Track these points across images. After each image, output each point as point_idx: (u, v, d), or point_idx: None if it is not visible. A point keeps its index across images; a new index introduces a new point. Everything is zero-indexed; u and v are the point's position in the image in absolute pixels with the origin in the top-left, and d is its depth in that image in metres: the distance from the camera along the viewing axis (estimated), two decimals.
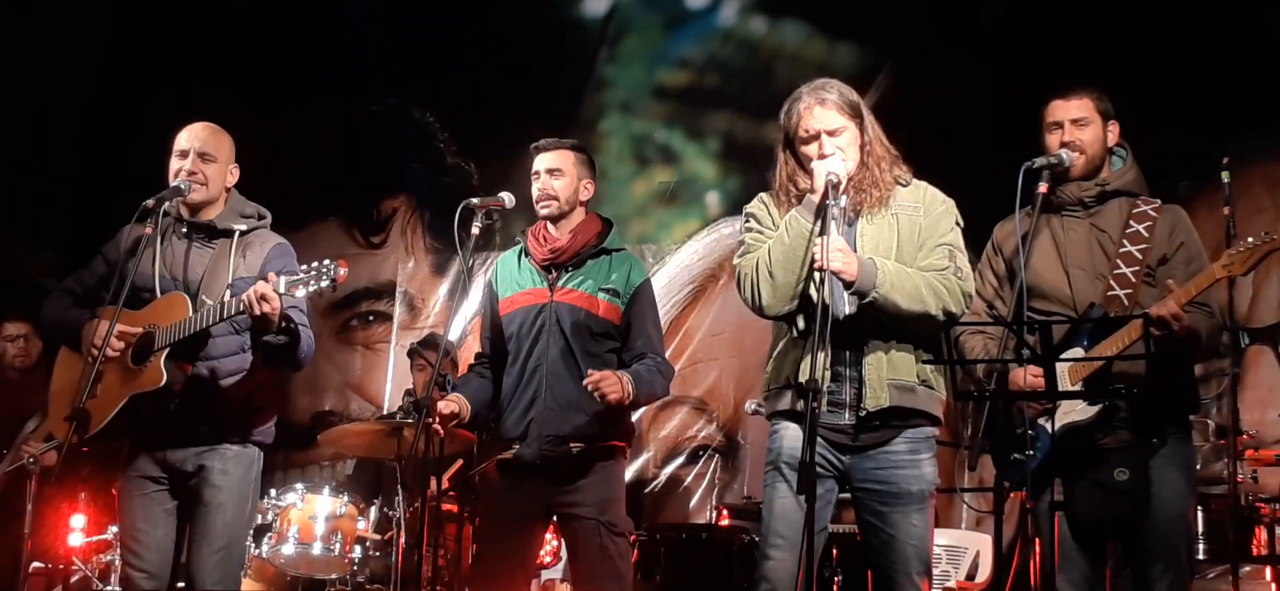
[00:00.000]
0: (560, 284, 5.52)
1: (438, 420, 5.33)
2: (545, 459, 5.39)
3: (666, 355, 5.67)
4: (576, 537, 5.47)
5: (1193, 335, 4.74)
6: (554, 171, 5.57)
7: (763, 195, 4.80)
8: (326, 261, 5.00)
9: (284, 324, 5.05)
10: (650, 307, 5.62)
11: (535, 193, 5.57)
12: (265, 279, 4.98)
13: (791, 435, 4.59)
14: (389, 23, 10.66)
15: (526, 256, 5.62)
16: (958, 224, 4.65)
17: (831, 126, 4.56)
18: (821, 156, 4.53)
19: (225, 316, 5.03)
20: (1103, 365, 4.79)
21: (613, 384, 5.23)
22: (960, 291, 4.52)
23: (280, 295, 4.94)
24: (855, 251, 4.48)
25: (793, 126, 4.64)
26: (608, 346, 5.49)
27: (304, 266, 5.03)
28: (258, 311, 4.91)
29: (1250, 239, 4.71)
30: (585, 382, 5.23)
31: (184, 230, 5.32)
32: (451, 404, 5.42)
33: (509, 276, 5.65)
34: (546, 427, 5.39)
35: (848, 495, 4.67)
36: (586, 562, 5.44)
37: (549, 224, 5.60)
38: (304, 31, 10.44)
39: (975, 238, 4.82)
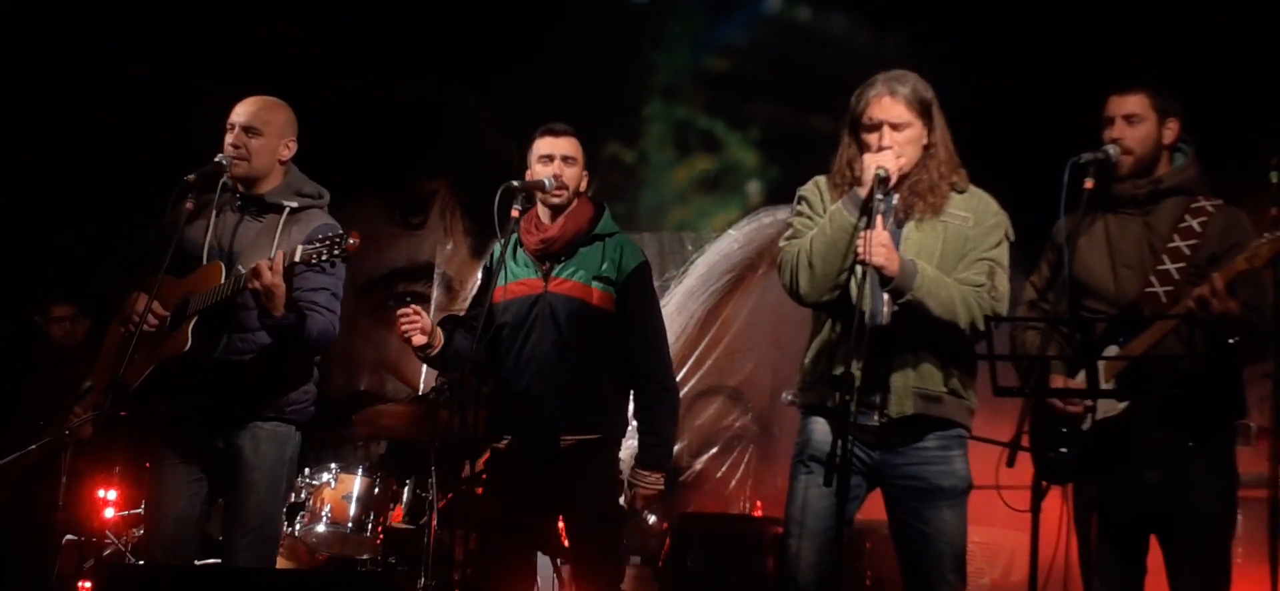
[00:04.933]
0: (554, 274, 5.43)
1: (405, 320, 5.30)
2: (537, 450, 5.34)
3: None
4: (571, 527, 5.55)
5: (1240, 322, 4.65)
6: (568, 159, 5.44)
7: (818, 178, 4.74)
8: (338, 233, 4.98)
9: (291, 302, 5.03)
10: (646, 294, 5.53)
11: (547, 179, 5.39)
12: (275, 255, 4.99)
13: (820, 429, 4.57)
14: (432, 1, 10.63)
15: (520, 246, 5.53)
16: (1007, 238, 4.60)
17: (897, 119, 4.50)
18: (880, 148, 4.47)
19: (239, 289, 5.02)
20: (1132, 363, 4.72)
21: (653, 492, 5.34)
22: (991, 311, 4.46)
23: (295, 265, 4.94)
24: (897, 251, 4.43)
25: (859, 111, 4.57)
26: (604, 336, 5.40)
27: (318, 238, 5.01)
28: (253, 285, 4.92)
29: (1266, 235, 4.62)
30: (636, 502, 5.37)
31: (238, 202, 5.32)
32: (419, 313, 5.34)
33: (505, 264, 5.55)
34: (538, 419, 5.33)
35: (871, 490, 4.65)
36: (579, 552, 5.51)
37: (543, 211, 5.49)
38: (346, 8, 10.41)
39: (1024, 235, 4.75)
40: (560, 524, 6.98)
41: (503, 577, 5.42)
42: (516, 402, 5.39)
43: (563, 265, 5.44)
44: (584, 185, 5.54)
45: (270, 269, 4.92)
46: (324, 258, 4.94)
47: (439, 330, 5.40)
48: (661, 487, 5.35)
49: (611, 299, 5.42)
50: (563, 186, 5.42)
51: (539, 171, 5.43)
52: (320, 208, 5.40)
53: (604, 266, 5.43)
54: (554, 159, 5.44)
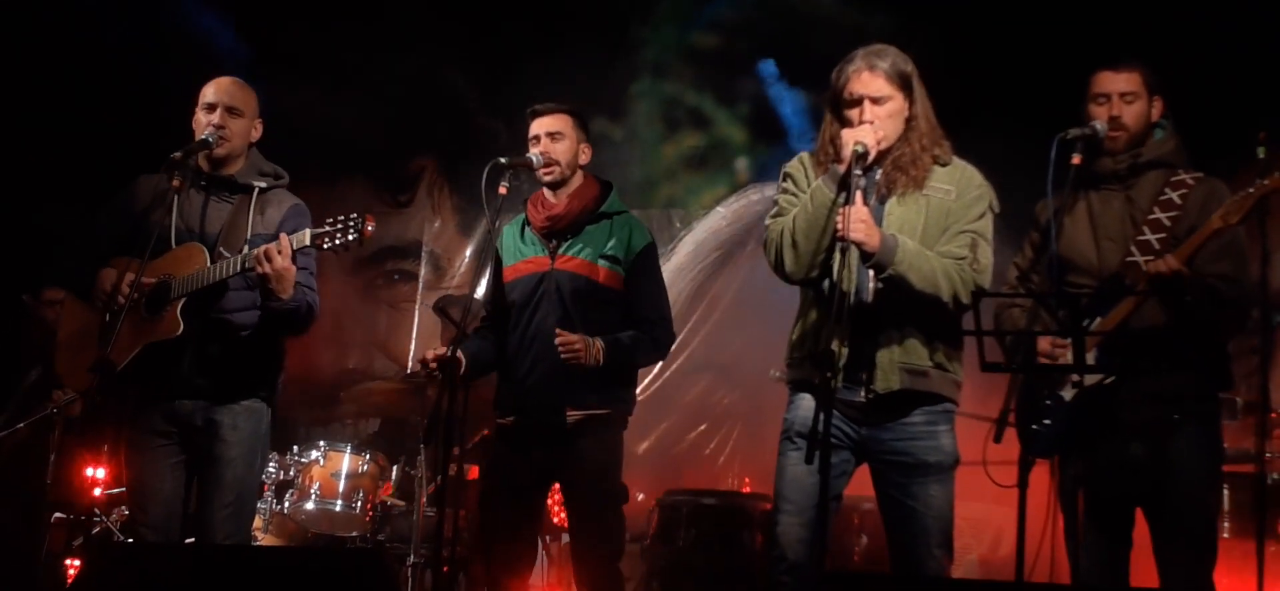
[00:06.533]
0: (561, 251, 5.47)
1: (431, 362, 5.26)
2: (542, 426, 5.37)
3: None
4: (573, 503, 5.50)
5: (1206, 293, 4.68)
6: (555, 135, 5.49)
7: (803, 155, 4.73)
8: (353, 215, 4.98)
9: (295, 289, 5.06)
10: (652, 272, 5.58)
11: (535, 158, 5.47)
12: (279, 238, 5.01)
13: (807, 405, 4.56)
14: None
15: (528, 225, 5.58)
16: (991, 210, 4.58)
17: (877, 94, 4.48)
18: (861, 123, 4.46)
19: (242, 270, 5.03)
20: (1113, 333, 4.75)
21: (575, 348, 5.21)
22: (974, 283, 4.45)
23: (295, 251, 4.96)
24: (879, 227, 4.41)
25: (840, 86, 4.55)
26: (611, 313, 5.44)
27: (330, 220, 5.02)
28: (263, 269, 4.93)
29: (1250, 189, 4.64)
30: (556, 342, 5.21)
31: (202, 183, 5.32)
32: (441, 354, 5.29)
33: (513, 244, 5.61)
34: (543, 396, 5.36)
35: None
36: (581, 528, 5.47)
37: (547, 190, 5.54)
38: None
39: (1012, 211, 4.75)
40: (550, 500, 7.01)
41: (507, 553, 5.44)
42: (522, 379, 5.42)
43: (569, 243, 5.48)
44: (584, 158, 5.57)
45: (279, 253, 4.94)
46: (338, 242, 4.96)
47: (460, 355, 5.31)
48: (581, 353, 5.22)
49: (618, 277, 5.46)
50: (553, 162, 5.47)
51: (531, 154, 5.49)
52: (283, 186, 5.44)
53: (611, 245, 5.46)
54: (540, 138, 5.49)
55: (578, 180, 5.56)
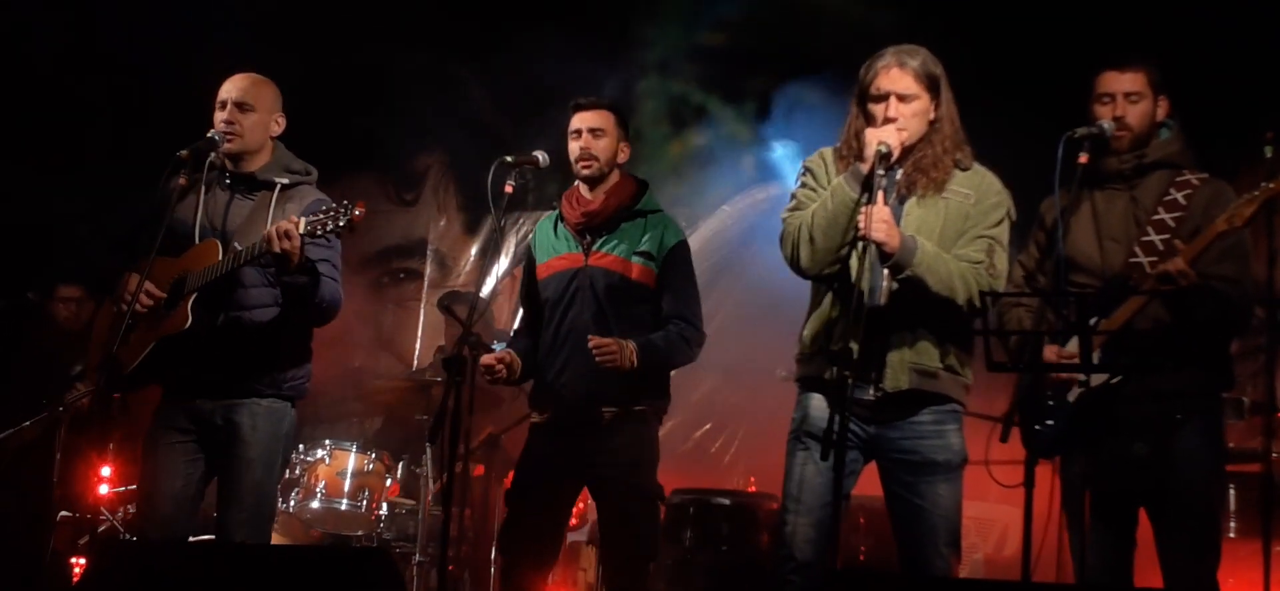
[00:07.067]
0: (594, 248, 5.45)
1: (482, 373, 5.31)
2: (575, 422, 5.35)
3: (701, 319, 5.58)
4: (604, 501, 5.47)
5: (1210, 295, 4.68)
6: (596, 131, 5.47)
7: (824, 150, 4.73)
8: (343, 201, 4.97)
9: (305, 262, 5.02)
10: (684, 269, 5.54)
11: (574, 152, 5.48)
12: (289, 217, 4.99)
13: (817, 404, 4.57)
14: None
15: (562, 221, 5.56)
16: (1009, 217, 4.59)
17: (904, 91, 4.49)
18: (886, 120, 4.46)
19: (250, 258, 5.03)
20: (1118, 332, 4.75)
21: (610, 352, 5.19)
22: (990, 289, 4.44)
23: (301, 236, 4.93)
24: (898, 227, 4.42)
25: (867, 81, 4.55)
26: (644, 310, 5.42)
27: (321, 208, 5.01)
28: (278, 247, 4.90)
29: (1246, 195, 4.63)
30: (591, 346, 5.19)
31: (227, 181, 5.32)
32: (502, 357, 5.38)
33: (546, 242, 5.60)
34: (577, 392, 5.34)
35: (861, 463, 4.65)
36: (613, 526, 5.44)
37: (583, 186, 5.53)
38: None
39: (1017, 210, 4.75)
40: (579, 505, 6.99)
41: (528, 548, 5.42)
42: (556, 376, 5.41)
43: (604, 239, 5.47)
44: (623, 156, 5.56)
45: (288, 235, 4.92)
46: (329, 228, 4.94)
47: (515, 357, 5.44)
48: (615, 356, 5.19)
49: (651, 274, 5.44)
50: (592, 158, 5.46)
51: (570, 147, 5.49)
52: (310, 183, 5.41)
53: (645, 242, 5.45)
54: (581, 133, 5.48)
55: (614, 177, 5.54)
